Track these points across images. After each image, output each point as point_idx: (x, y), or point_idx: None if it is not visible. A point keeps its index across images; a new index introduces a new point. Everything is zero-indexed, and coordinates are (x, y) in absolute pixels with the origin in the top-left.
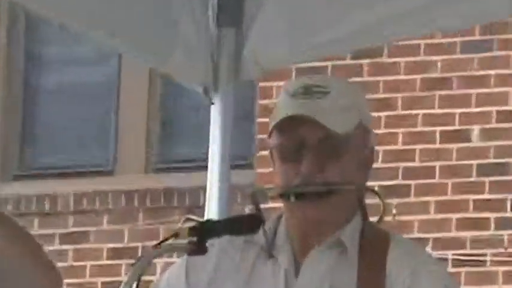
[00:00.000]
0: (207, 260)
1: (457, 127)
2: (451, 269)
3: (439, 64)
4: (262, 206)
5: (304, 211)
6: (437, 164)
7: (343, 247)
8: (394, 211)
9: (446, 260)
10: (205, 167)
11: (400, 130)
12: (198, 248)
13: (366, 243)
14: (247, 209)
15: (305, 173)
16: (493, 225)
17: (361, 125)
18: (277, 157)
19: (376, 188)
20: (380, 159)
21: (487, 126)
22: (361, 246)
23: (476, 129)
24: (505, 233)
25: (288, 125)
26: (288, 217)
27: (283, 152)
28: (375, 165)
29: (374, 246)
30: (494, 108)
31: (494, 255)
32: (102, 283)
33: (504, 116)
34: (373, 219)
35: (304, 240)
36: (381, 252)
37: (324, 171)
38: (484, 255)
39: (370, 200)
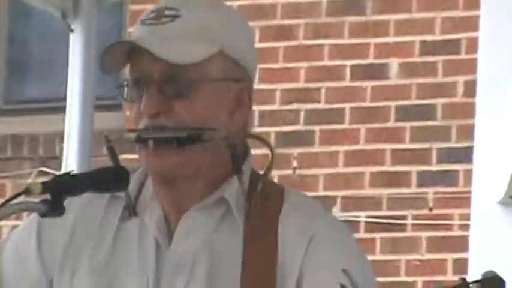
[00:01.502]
0: (63, 221)
1: (371, 60)
2: (363, 234)
3: None
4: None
5: (157, 161)
6: (347, 105)
7: (226, 206)
8: (294, 163)
9: (357, 222)
10: (63, 109)
11: (302, 64)
12: (53, 208)
13: (254, 201)
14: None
15: (145, 114)
16: (414, 182)
17: (223, 54)
18: (125, 98)
19: (272, 135)
20: (278, 99)
21: (408, 59)
22: (250, 205)
23: (395, 63)
24: (430, 191)
25: (132, 58)
26: (147, 168)
27: (128, 89)
28: (270, 108)
29: (264, 206)
30: (417, 38)
31: (416, 217)
32: None
33: (429, 47)
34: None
35: (173, 196)
36: (272, 213)
37: (169, 111)
38: (404, 217)
39: (264, 150)
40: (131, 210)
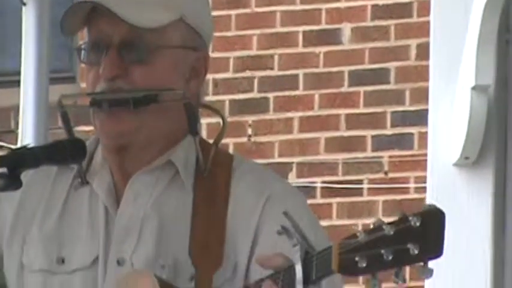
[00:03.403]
0: (11, 194)
1: (324, 26)
2: (319, 200)
3: None
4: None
5: (112, 125)
6: (300, 71)
7: (175, 170)
8: (249, 131)
9: (314, 188)
10: (17, 83)
11: (255, 31)
12: (11, 182)
13: (203, 167)
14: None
15: (103, 77)
16: (369, 146)
17: (183, 22)
18: (83, 60)
19: (226, 103)
20: (231, 67)
21: (360, 24)
22: (198, 172)
23: (347, 28)
24: (385, 154)
25: (91, 20)
26: (100, 134)
27: (86, 52)
28: (224, 76)
29: (214, 171)
30: (369, 2)
31: (372, 181)
32: None
33: (381, 11)
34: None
35: (122, 163)
36: (222, 177)
37: (127, 75)
38: (360, 181)
39: (215, 118)
40: (83, 178)
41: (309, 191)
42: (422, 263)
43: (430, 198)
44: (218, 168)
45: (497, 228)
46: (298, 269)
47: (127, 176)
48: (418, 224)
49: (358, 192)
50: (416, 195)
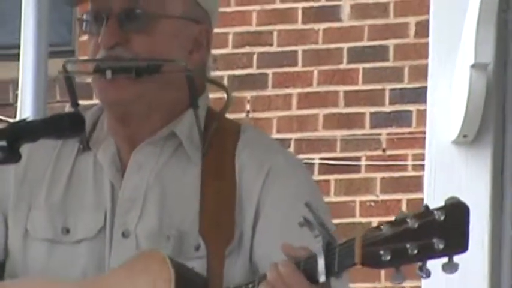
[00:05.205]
0: (14, 167)
1: (323, 3)
2: (317, 177)
3: None
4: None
5: (114, 92)
6: (299, 48)
7: (178, 142)
8: (248, 106)
9: (311, 165)
10: (16, 56)
11: (255, 8)
12: (9, 155)
13: (210, 137)
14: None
15: (102, 45)
16: (368, 123)
17: None
18: (85, 31)
19: (225, 79)
20: (230, 43)
21: (360, 1)
22: (205, 141)
23: (347, 5)
24: (383, 131)
25: None
26: (100, 101)
27: (88, 23)
28: (223, 51)
29: (221, 142)
30: None
31: (370, 158)
32: None
33: None
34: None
35: (126, 132)
36: (229, 148)
37: (127, 44)
38: (358, 158)
39: (218, 94)
40: (85, 144)
41: (307, 167)
42: (447, 258)
43: (428, 176)
44: (225, 138)
45: (495, 206)
46: (321, 261)
47: (131, 146)
48: (442, 218)
49: (356, 169)
50: (414, 173)
